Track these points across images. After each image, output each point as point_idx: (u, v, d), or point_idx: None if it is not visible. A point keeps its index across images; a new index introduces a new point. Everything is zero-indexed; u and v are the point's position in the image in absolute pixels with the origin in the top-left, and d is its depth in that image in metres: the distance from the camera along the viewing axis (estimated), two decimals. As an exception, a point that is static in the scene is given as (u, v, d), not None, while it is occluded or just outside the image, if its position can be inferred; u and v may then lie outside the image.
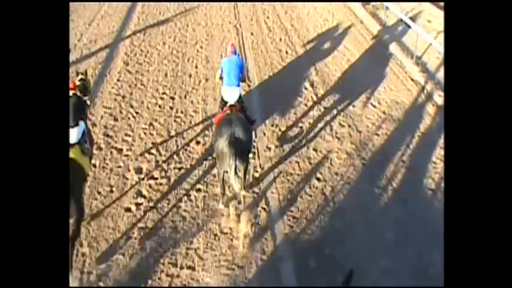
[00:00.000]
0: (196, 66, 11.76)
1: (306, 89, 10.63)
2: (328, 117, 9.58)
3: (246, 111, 7.66)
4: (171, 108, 9.97)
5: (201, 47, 12.86)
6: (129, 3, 16.84)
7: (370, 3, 15.98)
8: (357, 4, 15.94)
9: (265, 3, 16.39)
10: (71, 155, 6.12)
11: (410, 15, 14.53)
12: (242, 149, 6.63)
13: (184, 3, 16.66)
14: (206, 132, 9.11)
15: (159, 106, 10.04)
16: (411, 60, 11.90)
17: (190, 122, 9.44)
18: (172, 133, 9.08)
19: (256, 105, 9.98)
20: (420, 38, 12.22)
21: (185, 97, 10.38)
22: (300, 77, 11.21)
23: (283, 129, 9.19)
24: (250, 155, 7.59)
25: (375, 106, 10.05)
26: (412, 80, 11.18)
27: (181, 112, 9.80)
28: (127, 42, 13.50)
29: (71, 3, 16.43)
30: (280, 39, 13.33)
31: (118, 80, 11.14)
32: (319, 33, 13.85)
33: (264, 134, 9.07)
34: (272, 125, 9.32)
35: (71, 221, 5.77)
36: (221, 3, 16.45)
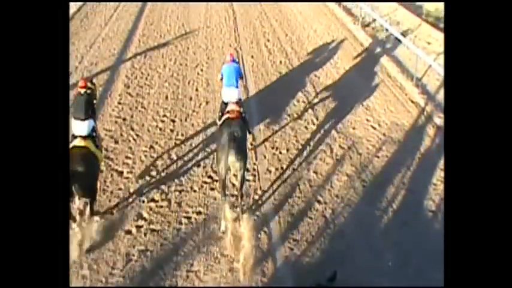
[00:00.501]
0: (196, 89, 12.07)
1: (306, 111, 10.91)
2: (328, 140, 9.82)
3: (244, 114, 8.46)
4: (172, 131, 10.22)
5: (202, 70, 13.21)
6: (130, 26, 17.30)
7: (370, 25, 16.43)
8: (357, 26, 16.37)
9: (266, 27, 16.82)
10: (85, 144, 7.12)
11: (410, 38, 14.95)
12: (240, 146, 7.54)
13: (185, 26, 17.12)
14: (206, 154, 9.33)
15: (160, 129, 10.30)
16: (411, 82, 12.23)
17: (191, 145, 9.68)
18: (173, 156, 9.31)
19: (257, 127, 10.22)
20: (420, 60, 12.59)
21: (186, 120, 10.64)
22: (301, 100, 11.49)
23: (283, 151, 9.42)
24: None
25: (375, 128, 10.30)
26: (412, 101, 11.47)
27: (182, 135, 10.06)
28: (128, 64, 13.87)
29: (71, 26, 16.93)
30: (281, 62, 13.69)
31: (119, 103, 11.44)
32: (319, 55, 14.22)
33: (265, 156, 9.29)
34: (272, 148, 9.55)
35: (88, 201, 6.98)
36: (222, 27, 16.87)
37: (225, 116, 8.19)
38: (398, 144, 9.77)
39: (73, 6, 19.60)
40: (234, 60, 9.08)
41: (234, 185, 8.06)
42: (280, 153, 9.40)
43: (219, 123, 8.48)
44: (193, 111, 11.03)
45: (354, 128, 10.28)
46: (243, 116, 8.31)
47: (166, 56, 14.40)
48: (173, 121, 10.60)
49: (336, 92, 11.90)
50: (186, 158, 9.24)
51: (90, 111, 7.60)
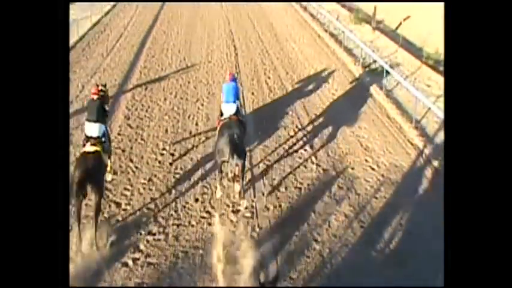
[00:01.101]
0: (196, 124, 12.44)
1: (305, 150, 11.25)
2: (326, 179, 10.11)
3: (242, 119, 9.87)
4: (171, 164, 10.51)
5: (202, 105, 13.62)
6: (132, 57, 17.84)
7: (370, 66, 17.01)
8: (358, 67, 16.95)
9: (267, 64, 17.38)
10: (96, 147, 8.18)
11: (410, 80, 15.49)
12: (239, 146, 8.76)
13: (186, 60, 17.67)
14: (205, 189, 9.60)
15: (159, 162, 10.59)
16: (410, 124, 12.64)
17: (190, 179, 9.95)
18: (172, 189, 9.55)
19: (256, 165, 10.51)
20: (419, 102, 13.04)
21: (185, 154, 10.95)
22: (300, 139, 11.85)
23: (282, 189, 9.69)
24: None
25: (373, 169, 10.61)
26: (411, 143, 11.83)
27: (181, 169, 10.34)
28: (128, 96, 14.29)
29: (73, 54, 17.45)
30: (279, 98, 14.12)
31: (118, 134, 11.77)
32: (319, 95, 14.68)
33: (263, 194, 9.56)
34: (271, 185, 9.83)
35: (95, 200, 7.77)
36: (222, 62, 17.42)
37: (224, 120, 9.51)
38: (396, 186, 10.05)
39: (75, 35, 20.26)
40: (233, 79, 10.40)
41: (234, 175, 9.16)
42: (279, 191, 9.67)
43: (217, 126, 9.79)
44: (193, 145, 11.35)
45: (352, 168, 10.59)
46: (241, 120, 9.74)
47: (167, 89, 14.85)
48: (172, 155, 10.91)
49: (335, 131, 12.27)
50: (184, 192, 9.48)
51: (102, 115, 8.76)
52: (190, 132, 11.99)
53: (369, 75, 16.37)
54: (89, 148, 8.21)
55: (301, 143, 11.62)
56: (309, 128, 12.38)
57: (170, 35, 21.56)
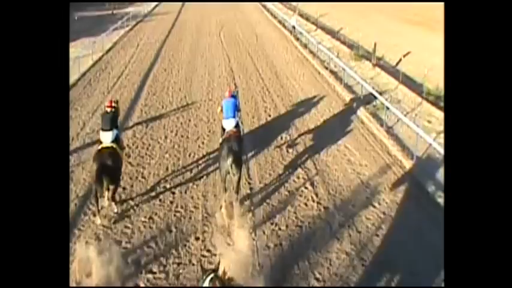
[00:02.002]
0: (197, 162, 12.74)
1: (306, 188, 11.51)
2: (328, 217, 10.33)
3: (241, 134, 11.34)
4: (171, 202, 10.77)
5: (203, 143, 13.98)
6: (132, 95, 18.33)
7: (370, 103, 17.46)
8: (359, 104, 17.37)
9: (267, 102, 17.84)
10: (111, 145, 10.10)
11: (410, 116, 15.86)
12: (237, 157, 10.28)
13: (187, 97, 18.15)
14: (206, 228, 9.82)
15: (160, 200, 10.85)
16: (411, 161, 12.91)
17: (190, 218, 10.19)
18: (172, 228, 9.78)
19: (256, 202, 10.76)
20: (420, 139, 13.36)
21: (185, 192, 11.22)
22: (300, 176, 12.13)
23: (283, 227, 9.91)
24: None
25: (374, 206, 10.84)
26: (412, 181, 12.06)
27: (181, 207, 10.59)
28: (129, 133, 14.66)
29: (74, 92, 17.94)
30: (281, 138, 14.46)
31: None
32: (319, 132, 15.05)
33: (264, 232, 9.77)
34: (272, 224, 10.05)
35: (111, 188, 9.77)
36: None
37: (225, 135, 10.91)
38: (398, 224, 10.23)
39: (76, 73, 20.88)
40: (232, 96, 11.74)
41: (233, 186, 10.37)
42: (280, 229, 9.88)
43: (220, 141, 11.20)
44: (193, 183, 11.63)
45: (353, 206, 10.82)
46: (240, 135, 11.13)
47: (168, 127, 15.24)
48: (173, 193, 11.17)
49: (336, 169, 12.56)
50: (185, 231, 9.70)
51: (115, 124, 10.63)
52: (191, 171, 12.28)
53: (370, 112, 16.76)
54: (105, 145, 10.21)
55: (301, 181, 11.87)
56: (310, 166, 12.66)
57: (171, 73, 22.17)
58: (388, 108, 15.93)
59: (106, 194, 10.07)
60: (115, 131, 10.52)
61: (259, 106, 17.35)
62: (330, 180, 11.94)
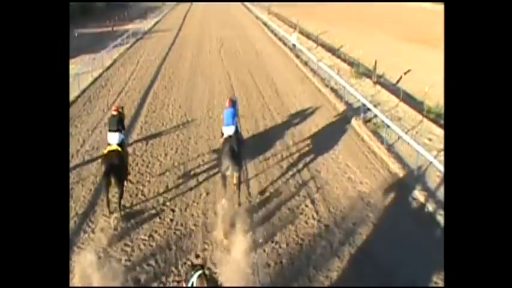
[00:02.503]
0: (197, 179, 12.88)
1: (306, 206, 11.64)
2: (328, 235, 10.44)
3: (240, 136, 12.62)
4: (171, 220, 10.89)
5: (203, 161, 14.16)
6: (132, 112, 18.52)
7: (371, 121, 17.67)
8: (359, 121, 17.59)
9: (267, 119, 18.05)
10: (117, 148, 11.25)
11: (411, 134, 16.06)
12: (237, 156, 11.39)
13: (187, 115, 18.36)
14: (206, 246, 9.92)
15: (159, 218, 10.97)
16: (412, 179, 13.04)
17: (190, 235, 10.29)
18: (172, 246, 9.88)
19: (257, 220, 10.87)
20: (421, 157, 13.53)
21: (185, 210, 11.35)
22: (301, 193, 12.27)
23: (283, 246, 10.01)
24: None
25: (375, 224, 10.95)
26: (413, 198, 12.20)
27: (181, 225, 10.70)
28: (129, 151, 14.75)
29: (74, 109, 18.15)
30: (282, 156, 14.62)
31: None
32: (320, 149, 15.22)
33: (264, 250, 9.87)
34: (272, 242, 10.14)
35: (118, 185, 10.79)
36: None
37: (225, 137, 11.99)
38: (400, 242, 10.32)
39: (76, 90, 21.13)
40: (232, 105, 12.75)
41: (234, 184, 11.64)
42: (280, 247, 9.98)
43: (220, 141, 12.41)
44: (193, 201, 11.75)
45: (354, 224, 10.93)
46: (238, 137, 12.34)
47: (168, 145, 15.42)
48: (173, 210, 11.30)
49: (336, 186, 12.70)
50: (185, 249, 9.80)
51: (120, 126, 11.83)
52: (191, 188, 12.42)
53: (370, 129, 16.95)
54: (112, 147, 11.34)
55: (302, 198, 12.00)
56: (310, 184, 12.80)
57: (171, 90, 22.43)
58: (388, 126, 16.14)
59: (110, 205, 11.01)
60: (121, 134, 11.78)
61: (260, 124, 17.54)
62: (330, 198, 12.07)
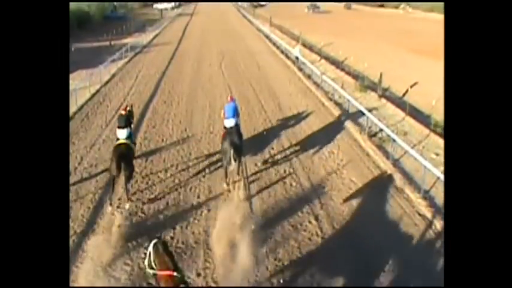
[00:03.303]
0: (198, 196, 13.10)
1: (310, 222, 11.83)
2: (333, 252, 10.59)
3: (240, 129, 14.55)
4: (172, 238, 11.07)
5: (204, 177, 14.35)
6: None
7: (376, 135, 17.89)
8: (364, 136, 17.81)
9: (270, 133, 18.29)
10: (126, 142, 13.19)
11: (417, 149, 16.25)
12: (238, 147, 13.31)
13: (187, 130, 18.62)
14: (207, 264, 10.09)
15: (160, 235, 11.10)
16: (418, 194, 13.22)
17: (191, 254, 10.45)
18: (173, 264, 10.02)
19: (259, 237, 11.01)
20: (428, 172, 13.69)
21: (186, 227, 11.53)
22: (304, 210, 12.45)
23: (286, 263, 10.19)
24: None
25: (381, 242, 11.09)
26: (419, 214, 12.36)
27: (182, 243, 10.88)
28: (128, 168, 14.99)
29: (71, 125, 18.39)
30: (285, 171, 14.84)
31: (118, 207, 12.41)
32: (324, 165, 15.43)
33: (267, 268, 10.04)
34: (275, 259, 10.32)
35: (125, 174, 12.46)
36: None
37: (227, 130, 13.94)
38: (405, 261, 10.47)
39: (73, 105, 21.37)
40: (233, 100, 14.79)
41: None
42: (283, 264, 10.14)
43: (222, 132, 14.48)
44: (195, 218, 11.94)
45: (360, 241, 11.07)
46: (239, 130, 14.31)
47: (168, 161, 15.64)
48: (173, 228, 11.47)
49: (340, 202, 12.88)
50: (186, 267, 9.95)
51: (128, 124, 13.64)
52: (192, 205, 12.61)
53: (376, 144, 17.16)
54: (121, 141, 13.24)
55: (305, 215, 12.17)
56: (314, 200, 12.98)
57: (171, 105, 22.73)
58: (394, 140, 16.32)
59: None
60: (128, 129, 13.57)
61: (262, 138, 17.77)
62: (334, 215, 12.24)
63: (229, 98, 15.14)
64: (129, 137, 13.61)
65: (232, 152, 12.97)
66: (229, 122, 14.15)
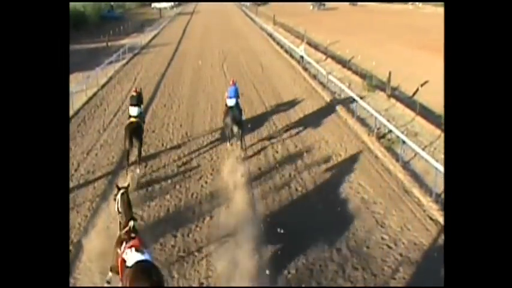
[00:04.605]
0: (200, 202, 13.16)
1: (316, 229, 11.83)
2: (340, 259, 10.65)
3: (240, 107, 17.19)
4: (173, 246, 11.12)
5: (206, 182, 14.44)
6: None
7: (385, 137, 17.93)
8: (372, 137, 17.85)
9: (275, 138, 18.37)
10: (136, 120, 15.62)
11: (428, 150, 16.27)
12: (238, 121, 16.17)
13: (188, 134, 18.71)
14: (210, 273, 10.16)
15: (160, 244, 11.21)
16: (430, 198, 13.26)
17: (193, 262, 10.51)
18: (174, 273, 10.12)
19: (264, 246, 11.07)
20: (439, 174, 13.71)
21: (188, 235, 11.58)
22: (310, 215, 12.50)
23: (292, 271, 10.23)
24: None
25: (391, 247, 11.15)
26: (431, 219, 12.40)
27: (184, 251, 10.95)
28: (127, 176, 15.06)
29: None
30: (290, 175, 14.89)
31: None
32: (330, 168, 15.49)
33: (272, 276, 10.06)
34: (280, 267, 10.34)
35: (138, 147, 15.39)
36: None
37: (227, 107, 16.82)
38: (416, 266, 10.51)
39: (70, 109, 21.44)
40: (234, 84, 17.30)
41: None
42: (289, 272, 10.20)
43: (224, 110, 17.16)
44: (196, 225, 12.00)
45: (368, 247, 11.13)
46: (239, 106, 17.06)
47: (168, 166, 15.73)
48: (175, 236, 11.53)
49: (348, 206, 12.92)
50: (188, 276, 10.04)
51: (139, 103, 16.12)
52: (194, 212, 12.67)
53: (384, 146, 17.21)
54: (132, 119, 15.65)
55: (312, 222, 12.21)
56: (320, 207, 13.02)
57: (171, 108, 22.85)
58: (404, 141, 16.35)
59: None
60: (139, 108, 16.05)
61: (266, 142, 17.84)
62: (340, 219, 12.28)
63: (231, 82, 17.75)
64: (140, 114, 16.06)
65: (233, 125, 16.05)
66: (231, 101, 16.84)
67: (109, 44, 44.28)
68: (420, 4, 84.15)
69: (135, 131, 15.45)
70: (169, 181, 14.62)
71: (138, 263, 7.92)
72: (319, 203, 13.20)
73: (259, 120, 20.46)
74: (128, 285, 7.77)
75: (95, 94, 25.85)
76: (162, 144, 17.84)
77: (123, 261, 8.19)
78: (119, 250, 8.58)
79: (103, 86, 27.87)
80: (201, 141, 18.04)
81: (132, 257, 8.06)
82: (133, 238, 8.59)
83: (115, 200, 9.65)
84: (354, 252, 10.95)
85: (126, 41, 44.71)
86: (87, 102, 24.19)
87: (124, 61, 35.79)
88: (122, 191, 9.50)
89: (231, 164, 15.15)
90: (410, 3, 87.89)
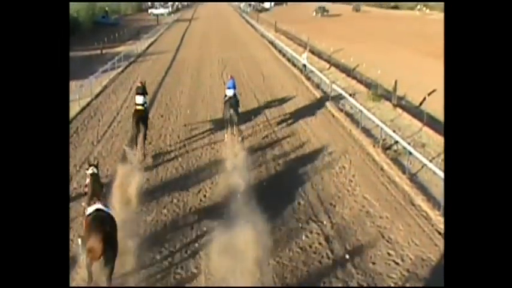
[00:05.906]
0: (198, 218, 13.17)
1: (320, 244, 11.92)
2: (344, 276, 10.68)
3: (237, 97, 20.18)
4: (170, 263, 11.13)
5: (205, 196, 14.49)
6: (125, 143, 18.93)
7: (391, 148, 18.00)
8: (378, 149, 17.92)
9: (275, 149, 18.44)
10: (142, 107, 18.42)
11: (436, 162, 16.32)
12: (236, 109, 19.21)
13: (186, 146, 18.78)
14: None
15: (157, 260, 11.20)
16: (438, 212, 13.28)
17: (191, 279, 10.53)
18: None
19: (265, 260, 11.08)
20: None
21: (186, 252, 11.60)
22: (314, 230, 12.54)
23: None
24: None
25: (397, 263, 11.17)
26: (439, 233, 12.40)
27: (182, 268, 10.96)
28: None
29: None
30: (292, 186, 14.94)
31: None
32: (334, 182, 15.53)
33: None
34: (282, 283, 10.37)
35: (143, 131, 18.13)
36: (226, 147, 18.44)
37: (227, 97, 19.66)
38: (424, 282, 10.53)
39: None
40: (232, 78, 20.56)
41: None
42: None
43: (224, 99, 20.14)
44: (195, 242, 12.01)
45: (373, 263, 11.15)
46: (236, 97, 19.82)
47: (165, 179, 15.77)
48: (172, 252, 11.55)
49: (352, 221, 12.95)
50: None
51: (144, 92, 18.65)
52: (192, 227, 12.69)
53: (390, 157, 17.27)
54: (139, 107, 18.23)
55: (315, 236, 12.25)
56: (324, 220, 13.07)
57: (168, 119, 22.92)
58: (410, 153, 16.41)
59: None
60: (144, 97, 18.52)
61: (267, 153, 17.91)
62: (346, 235, 12.32)
63: (229, 77, 21.58)
64: (144, 103, 18.53)
65: (231, 111, 18.84)
66: (230, 92, 19.75)
67: (103, 51, 44.44)
68: (427, 10, 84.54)
69: (142, 117, 18.16)
70: (166, 195, 14.59)
71: (96, 210, 9.94)
72: (322, 217, 13.21)
73: (259, 130, 20.62)
74: (84, 229, 9.91)
75: (88, 104, 25.89)
76: (159, 156, 17.88)
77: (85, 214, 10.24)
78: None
79: (97, 95, 27.95)
80: (199, 153, 18.09)
81: (91, 208, 10.10)
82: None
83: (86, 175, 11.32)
84: (359, 268, 10.97)
85: (122, 49, 44.94)
86: (80, 112, 24.22)
87: (119, 69, 35.93)
88: (92, 166, 11.33)
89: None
90: (417, 8, 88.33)
